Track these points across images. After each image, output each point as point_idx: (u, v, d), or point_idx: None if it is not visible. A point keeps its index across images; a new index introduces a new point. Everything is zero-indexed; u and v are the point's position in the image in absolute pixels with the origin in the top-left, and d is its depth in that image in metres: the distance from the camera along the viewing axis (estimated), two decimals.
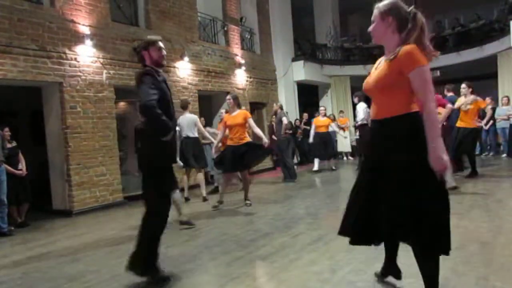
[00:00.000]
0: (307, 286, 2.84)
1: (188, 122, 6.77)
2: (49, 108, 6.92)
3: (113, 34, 7.54)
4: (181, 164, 6.46)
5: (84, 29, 6.98)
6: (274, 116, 9.38)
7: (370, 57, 13.19)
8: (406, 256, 2.50)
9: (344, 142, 12.86)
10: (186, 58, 9.03)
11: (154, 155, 2.93)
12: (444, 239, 2.08)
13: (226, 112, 6.37)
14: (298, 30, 14.07)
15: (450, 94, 7.27)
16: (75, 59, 6.87)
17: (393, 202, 2.12)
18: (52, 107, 6.85)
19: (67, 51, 6.74)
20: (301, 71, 13.04)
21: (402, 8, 2.18)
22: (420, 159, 2.02)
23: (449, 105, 6.17)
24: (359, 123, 8.96)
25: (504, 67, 11.40)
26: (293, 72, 13.12)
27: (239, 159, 5.82)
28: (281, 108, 9.22)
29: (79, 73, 6.91)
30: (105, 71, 7.33)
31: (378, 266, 2.68)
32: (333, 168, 10.23)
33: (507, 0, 11.13)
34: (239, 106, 6.20)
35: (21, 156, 6.12)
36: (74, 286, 3.26)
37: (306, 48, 14.11)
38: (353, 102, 10.49)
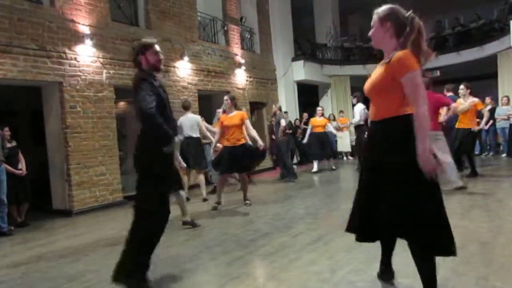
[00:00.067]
0: (307, 286, 2.84)
1: (190, 122, 6.75)
2: (49, 107, 6.92)
3: (113, 34, 7.54)
4: (184, 165, 6.40)
5: (84, 29, 6.98)
6: (273, 117, 9.39)
7: (370, 57, 13.20)
8: (402, 256, 2.51)
9: (344, 142, 12.85)
10: (186, 58, 9.03)
11: (154, 162, 2.85)
12: (444, 239, 2.09)
13: (224, 112, 6.36)
14: (298, 30, 14.07)
15: (449, 94, 7.27)
16: (75, 58, 6.87)
17: (391, 202, 2.15)
18: (52, 107, 6.85)
19: (67, 50, 6.74)
20: (301, 71, 13.04)
21: (400, 13, 2.23)
22: (413, 161, 2.06)
23: (454, 104, 6.17)
24: (354, 124, 9.01)
25: (504, 67, 11.40)
26: (293, 72, 13.11)
27: (236, 161, 5.83)
28: (280, 109, 9.24)
29: (79, 73, 6.91)
30: (105, 70, 7.33)
31: (378, 266, 2.68)
32: (333, 168, 10.24)
33: (507, 0, 11.13)
34: (236, 106, 6.22)
35: (21, 156, 6.12)
36: (74, 286, 3.27)
37: (306, 48, 14.12)
38: (353, 102, 10.50)
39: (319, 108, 10.33)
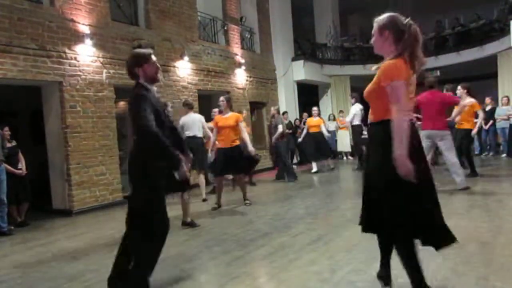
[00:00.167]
0: (307, 286, 2.84)
1: (194, 122, 6.73)
2: (49, 107, 6.92)
3: (113, 33, 7.54)
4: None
5: (84, 29, 6.98)
6: (272, 118, 9.41)
7: (370, 57, 13.17)
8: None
9: (344, 142, 12.85)
10: (186, 58, 9.02)
11: (148, 175, 2.68)
12: (443, 233, 2.25)
13: (220, 112, 6.33)
14: (298, 30, 14.06)
15: (449, 94, 7.28)
16: (75, 58, 6.87)
17: (380, 201, 2.28)
18: (52, 107, 6.85)
19: (67, 50, 6.74)
20: (301, 71, 13.03)
21: (399, 21, 2.31)
22: (392, 164, 2.17)
23: (463, 102, 6.16)
24: (346, 124, 9.04)
25: (504, 67, 11.39)
26: (293, 72, 13.11)
27: (231, 162, 5.84)
28: (278, 111, 9.24)
29: (79, 73, 6.91)
30: (105, 70, 7.33)
31: (378, 266, 2.68)
32: (332, 167, 10.24)
33: (507, 0, 11.13)
34: (231, 108, 6.24)
35: (21, 156, 6.12)
36: (74, 285, 3.27)
37: (306, 47, 14.10)
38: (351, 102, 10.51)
39: (314, 108, 10.34)
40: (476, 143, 10.57)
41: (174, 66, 8.84)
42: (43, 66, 6.39)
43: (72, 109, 6.77)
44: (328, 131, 10.84)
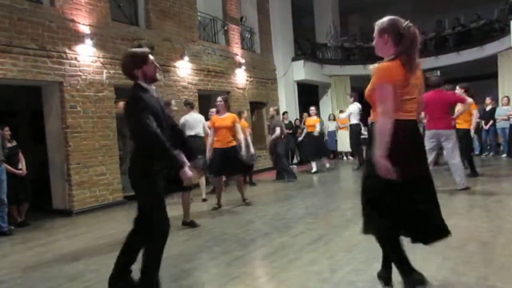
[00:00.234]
0: (307, 286, 2.84)
1: (196, 121, 6.72)
2: (49, 107, 6.92)
3: (113, 33, 7.54)
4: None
5: (84, 29, 6.98)
6: (271, 119, 9.42)
7: (370, 57, 13.15)
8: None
9: (344, 142, 12.84)
10: (186, 58, 9.02)
11: (145, 179, 2.67)
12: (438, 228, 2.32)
13: (217, 112, 6.32)
14: (298, 30, 14.06)
15: (453, 92, 7.27)
16: (75, 58, 6.87)
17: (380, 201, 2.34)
18: (52, 107, 6.85)
19: (67, 50, 6.74)
20: (301, 71, 13.03)
21: (398, 24, 2.31)
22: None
23: (469, 100, 6.14)
24: (344, 123, 9.05)
25: (504, 67, 11.39)
26: (293, 72, 13.10)
27: (227, 163, 5.85)
28: (277, 112, 9.25)
29: (79, 73, 6.91)
30: (105, 70, 7.33)
31: (378, 266, 2.68)
32: (327, 166, 10.22)
33: (508, 0, 11.12)
34: (229, 109, 6.26)
35: (21, 156, 6.12)
36: (74, 285, 3.27)
37: (306, 47, 14.10)
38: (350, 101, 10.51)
39: (312, 108, 10.35)
40: (476, 143, 10.57)
41: (174, 66, 8.84)
42: (43, 66, 6.39)
43: (72, 109, 6.77)
44: (328, 131, 10.82)
